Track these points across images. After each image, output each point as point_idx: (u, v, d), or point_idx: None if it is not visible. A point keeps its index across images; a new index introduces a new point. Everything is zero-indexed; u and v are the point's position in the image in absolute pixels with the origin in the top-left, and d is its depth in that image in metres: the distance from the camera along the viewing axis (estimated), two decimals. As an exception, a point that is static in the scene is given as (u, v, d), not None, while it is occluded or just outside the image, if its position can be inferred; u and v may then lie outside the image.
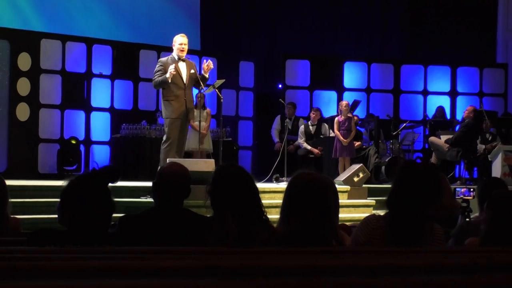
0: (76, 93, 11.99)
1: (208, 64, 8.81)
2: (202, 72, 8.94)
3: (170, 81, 8.59)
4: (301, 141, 12.47)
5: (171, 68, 8.55)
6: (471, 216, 5.39)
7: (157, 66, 8.81)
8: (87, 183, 3.25)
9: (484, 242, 3.37)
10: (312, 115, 12.72)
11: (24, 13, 12.36)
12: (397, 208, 3.25)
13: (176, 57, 8.78)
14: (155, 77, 8.73)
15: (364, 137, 13.03)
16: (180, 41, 8.78)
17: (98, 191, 3.23)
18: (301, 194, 3.25)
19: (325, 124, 12.51)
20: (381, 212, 4.12)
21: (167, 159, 8.17)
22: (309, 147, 12.34)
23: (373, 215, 3.47)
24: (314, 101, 14.21)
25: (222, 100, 9.79)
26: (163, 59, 8.91)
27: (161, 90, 8.85)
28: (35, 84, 11.50)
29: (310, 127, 12.59)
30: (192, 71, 8.83)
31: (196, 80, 8.85)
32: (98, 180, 3.25)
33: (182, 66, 8.76)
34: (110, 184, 3.29)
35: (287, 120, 12.23)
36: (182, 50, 8.80)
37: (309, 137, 12.51)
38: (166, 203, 3.61)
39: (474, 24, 15.25)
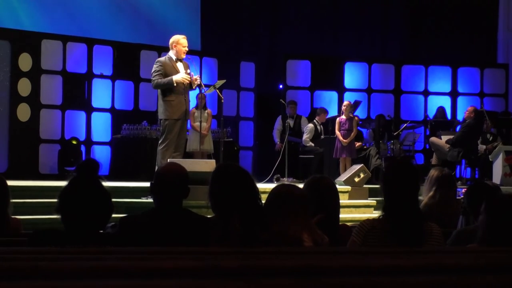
0: (76, 94, 11.99)
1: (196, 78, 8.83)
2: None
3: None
4: (305, 136, 12.44)
5: (184, 76, 8.54)
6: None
7: (155, 66, 8.67)
8: (79, 182, 3.25)
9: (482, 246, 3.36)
10: (319, 116, 12.73)
11: (25, 13, 12.36)
12: (394, 209, 3.24)
13: (175, 58, 8.73)
14: (155, 78, 8.62)
15: (365, 137, 13.02)
16: (184, 43, 8.75)
17: (94, 190, 3.23)
18: None
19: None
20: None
21: (168, 160, 8.15)
22: (312, 145, 12.33)
23: (367, 219, 3.48)
24: (314, 102, 14.21)
25: (223, 101, 9.79)
26: (161, 59, 8.81)
27: (160, 90, 8.70)
28: (35, 85, 11.50)
29: (318, 127, 12.61)
30: (188, 71, 8.82)
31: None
32: (83, 173, 3.25)
33: (181, 67, 8.72)
34: (110, 185, 3.30)
35: (289, 119, 12.21)
36: (185, 52, 8.80)
37: (316, 137, 12.53)
38: (166, 203, 3.60)
39: (475, 24, 15.25)
